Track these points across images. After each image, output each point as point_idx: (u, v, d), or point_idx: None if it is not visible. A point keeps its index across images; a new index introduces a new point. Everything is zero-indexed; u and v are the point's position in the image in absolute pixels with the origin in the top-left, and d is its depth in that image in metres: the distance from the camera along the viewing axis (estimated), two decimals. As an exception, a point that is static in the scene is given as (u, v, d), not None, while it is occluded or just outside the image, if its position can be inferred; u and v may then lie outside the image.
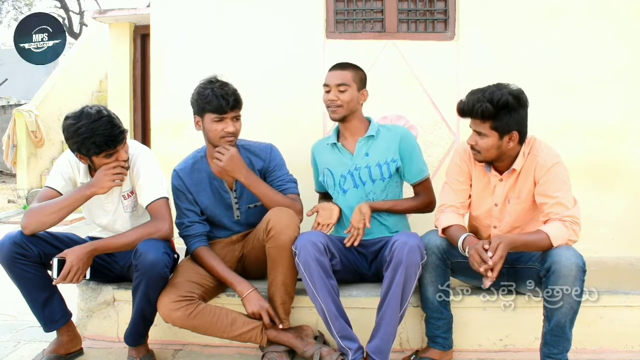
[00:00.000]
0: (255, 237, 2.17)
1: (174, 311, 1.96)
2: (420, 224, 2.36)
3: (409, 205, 2.29)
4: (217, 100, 2.06)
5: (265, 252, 2.07)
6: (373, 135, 2.28)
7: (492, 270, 1.78)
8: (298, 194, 2.24)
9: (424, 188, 2.31)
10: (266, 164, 2.24)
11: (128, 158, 2.10)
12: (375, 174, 2.27)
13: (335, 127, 2.38)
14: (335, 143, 2.31)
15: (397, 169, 2.28)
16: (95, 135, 1.93)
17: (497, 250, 1.79)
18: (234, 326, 2.04)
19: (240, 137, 2.20)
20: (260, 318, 2.06)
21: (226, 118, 2.09)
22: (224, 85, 2.11)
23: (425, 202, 2.30)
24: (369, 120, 2.34)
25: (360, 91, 2.26)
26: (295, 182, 2.28)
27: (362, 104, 2.31)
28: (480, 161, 2.02)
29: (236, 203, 2.25)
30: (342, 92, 2.22)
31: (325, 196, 2.47)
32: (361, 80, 2.28)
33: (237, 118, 2.13)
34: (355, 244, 2.18)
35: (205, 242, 2.20)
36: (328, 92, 2.25)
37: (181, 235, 2.22)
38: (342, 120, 2.27)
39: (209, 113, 2.09)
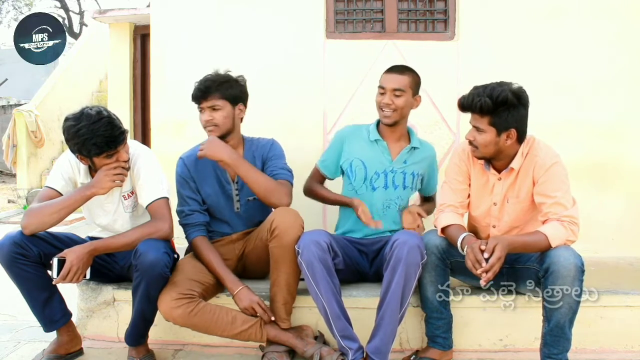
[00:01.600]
0: (258, 237, 2.18)
1: (175, 309, 1.96)
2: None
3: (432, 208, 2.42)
4: (194, 90, 2.17)
5: (267, 252, 2.07)
6: (417, 147, 2.31)
7: (487, 271, 1.78)
8: (289, 182, 2.22)
9: (434, 199, 2.50)
10: (266, 154, 2.28)
11: (129, 158, 2.10)
12: (408, 181, 2.30)
13: (374, 123, 2.34)
14: (377, 140, 2.29)
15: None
16: (95, 137, 1.93)
17: (494, 252, 1.79)
18: (234, 324, 2.04)
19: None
20: (253, 314, 2.07)
21: (203, 108, 2.18)
22: (205, 75, 2.19)
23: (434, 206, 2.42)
24: (407, 128, 2.36)
25: (414, 97, 2.26)
26: (290, 172, 2.26)
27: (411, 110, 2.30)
28: (478, 157, 2.02)
29: (237, 195, 2.26)
30: (397, 96, 2.21)
31: (321, 178, 2.43)
32: (417, 86, 2.27)
33: (215, 108, 2.16)
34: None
35: (204, 232, 2.21)
36: (383, 94, 2.23)
37: (181, 223, 2.23)
38: (393, 125, 2.26)
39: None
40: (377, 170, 2.29)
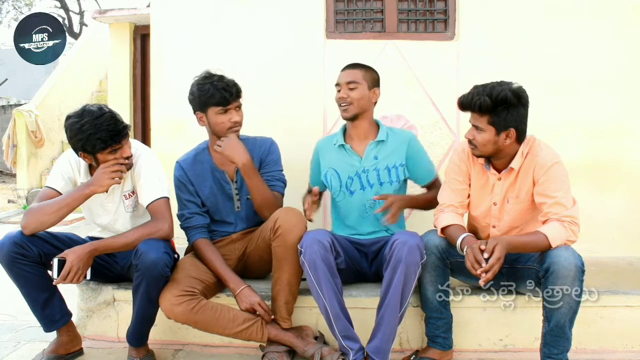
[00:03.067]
0: (260, 237, 2.18)
1: (177, 306, 1.96)
2: (418, 223, 2.36)
3: (429, 197, 2.26)
4: (219, 93, 2.12)
5: (269, 252, 2.08)
6: (383, 140, 2.27)
7: (486, 272, 1.78)
8: (282, 194, 2.27)
9: (435, 187, 2.29)
10: (264, 156, 2.28)
11: (131, 155, 2.10)
12: (384, 177, 2.26)
13: (341, 128, 2.36)
14: (343, 145, 2.30)
15: (405, 178, 2.30)
16: (100, 131, 1.94)
17: (494, 252, 1.79)
18: (236, 322, 2.04)
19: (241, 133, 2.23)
20: (254, 313, 2.07)
21: (230, 109, 2.16)
22: (222, 77, 2.17)
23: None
24: (377, 123, 2.33)
25: (371, 90, 2.25)
26: (284, 182, 2.30)
27: (374, 103, 2.29)
28: (477, 156, 2.02)
29: (237, 194, 2.27)
30: (352, 89, 2.22)
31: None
32: (372, 80, 2.27)
33: (239, 107, 2.20)
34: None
35: (205, 234, 2.22)
36: (339, 91, 2.26)
37: (182, 227, 2.24)
38: (354, 119, 2.26)
39: (213, 107, 2.15)
40: (349, 174, 2.29)
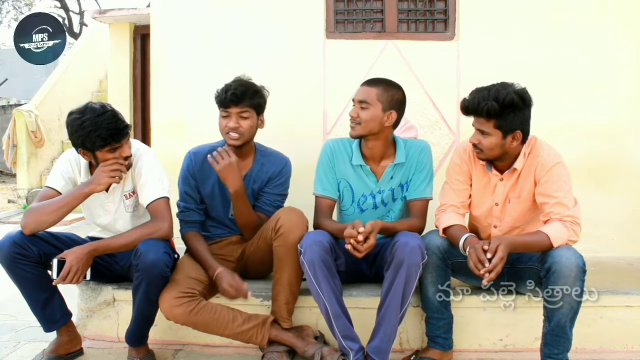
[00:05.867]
0: (261, 237, 2.18)
1: (176, 307, 1.96)
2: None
3: (406, 226, 2.09)
4: (221, 93, 2.15)
5: (270, 252, 2.08)
6: (402, 162, 2.16)
7: (490, 272, 1.78)
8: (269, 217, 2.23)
9: (420, 209, 2.16)
10: (273, 175, 2.26)
11: (131, 155, 2.10)
12: (397, 193, 2.21)
13: (357, 143, 2.19)
14: (361, 165, 2.16)
15: None
16: (100, 129, 1.94)
17: (497, 252, 1.79)
18: (235, 323, 2.04)
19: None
20: (235, 296, 2.03)
21: (231, 113, 2.14)
22: (236, 80, 2.17)
23: (417, 225, 2.12)
24: (394, 140, 2.18)
25: (386, 112, 2.07)
26: (278, 208, 2.25)
27: (389, 127, 2.10)
28: (482, 159, 2.02)
29: None
30: (362, 109, 2.07)
31: (328, 208, 2.21)
32: (391, 101, 2.08)
33: (243, 116, 2.15)
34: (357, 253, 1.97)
35: (196, 228, 2.23)
36: (354, 106, 2.13)
37: (177, 215, 2.25)
38: (363, 139, 2.14)
39: (218, 106, 2.17)
40: (364, 192, 2.20)
